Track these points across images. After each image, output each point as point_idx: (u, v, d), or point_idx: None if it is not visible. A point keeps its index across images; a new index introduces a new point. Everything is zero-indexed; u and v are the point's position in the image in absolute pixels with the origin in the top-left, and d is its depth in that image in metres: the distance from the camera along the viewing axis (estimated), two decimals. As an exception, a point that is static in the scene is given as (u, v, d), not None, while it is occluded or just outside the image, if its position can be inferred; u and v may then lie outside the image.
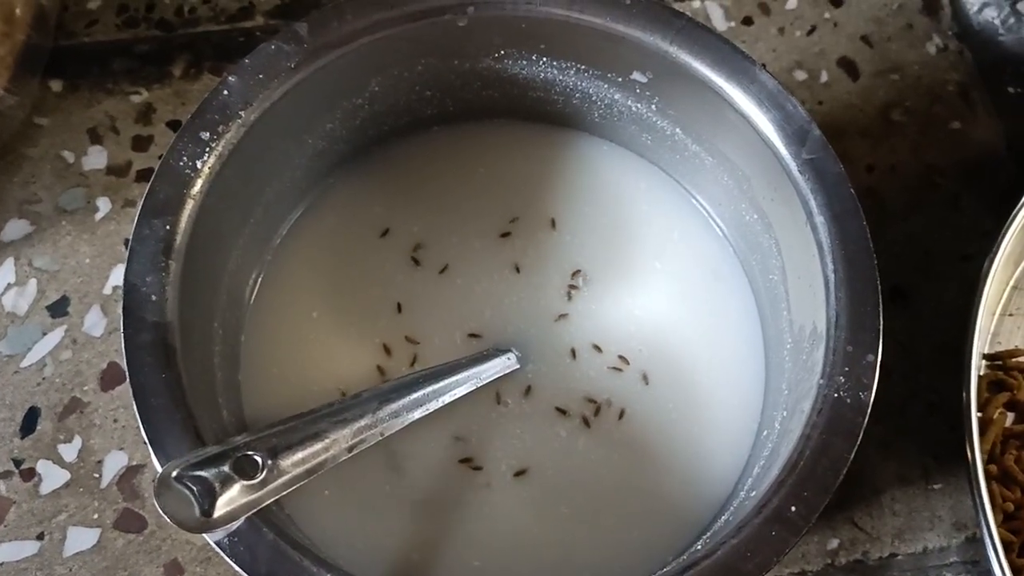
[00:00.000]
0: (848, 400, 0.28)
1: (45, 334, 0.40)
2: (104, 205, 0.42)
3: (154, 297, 0.29)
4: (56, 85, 0.45)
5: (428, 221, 0.39)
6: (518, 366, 0.36)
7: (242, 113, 0.32)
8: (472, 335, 0.37)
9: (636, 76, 0.36)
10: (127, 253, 0.29)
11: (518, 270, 0.38)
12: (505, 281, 0.38)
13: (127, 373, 0.28)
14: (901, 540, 0.39)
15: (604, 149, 0.41)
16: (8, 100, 0.42)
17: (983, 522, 0.33)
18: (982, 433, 0.38)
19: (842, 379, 0.29)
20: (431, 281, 0.38)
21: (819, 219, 0.31)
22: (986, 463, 0.37)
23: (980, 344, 0.37)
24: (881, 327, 0.29)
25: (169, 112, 0.44)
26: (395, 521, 0.34)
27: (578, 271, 0.38)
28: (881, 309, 0.29)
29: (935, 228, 0.44)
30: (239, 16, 0.47)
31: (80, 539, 0.37)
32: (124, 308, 0.29)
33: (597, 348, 0.37)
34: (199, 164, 0.31)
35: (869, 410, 0.28)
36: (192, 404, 0.28)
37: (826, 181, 0.31)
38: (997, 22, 0.49)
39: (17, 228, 0.42)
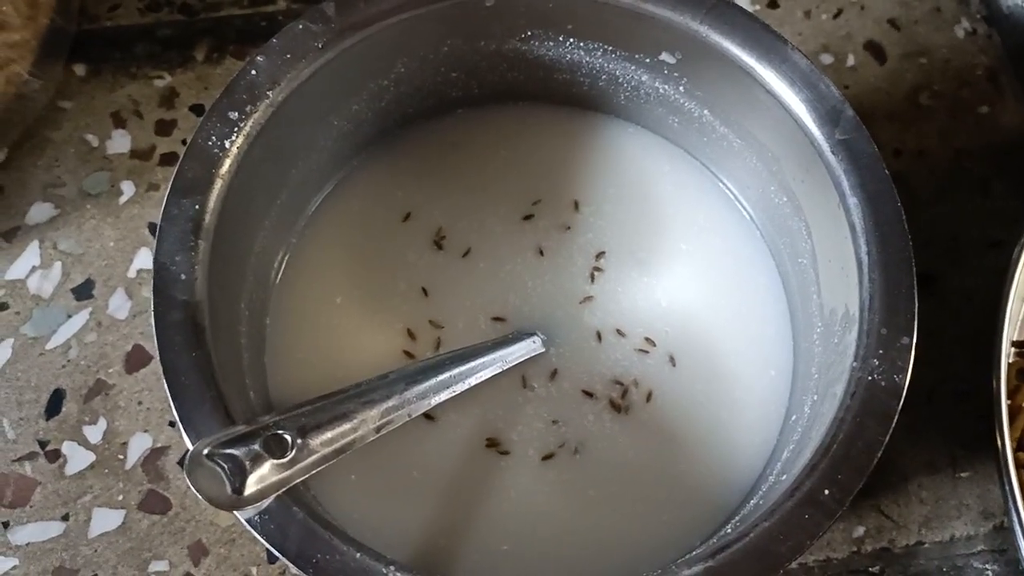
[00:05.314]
0: (883, 383, 0.28)
1: (70, 317, 0.40)
2: (128, 189, 0.42)
3: (183, 276, 0.29)
4: (80, 69, 0.45)
5: (451, 204, 0.39)
6: (543, 349, 0.36)
7: (270, 93, 0.32)
8: (496, 319, 0.37)
9: (664, 57, 0.35)
10: (157, 232, 0.29)
11: (542, 253, 0.38)
12: (529, 264, 0.38)
13: (157, 351, 0.28)
14: (928, 528, 0.38)
15: (630, 132, 0.40)
16: (32, 84, 0.42)
17: (1012, 510, 0.33)
18: (1011, 421, 0.37)
19: (876, 362, 0.28)
20: (454, 265, 0.38)
21: (852, 200, 0.30)
22: (1015, 451, 0.37)
23: (1010, 331, 0.36)
24: (916, 309, 0.29)
25: (192, 96, 0.44)
26: (422, 506, 0.34)
27: (602, 253, 0.38)
28: (916, 291, 0.29)
29: (963, 214, 0.44)
30: (261, 0, 0.47)
31: (105, 520, 0.37)
32: (154, 287, 0.28)
33: (623, 330, 0.37)
34: (227, 144, 0.31)
35: (904, 393, 0.28)
36: (221, 383, 0.28)
37: (859, 162, 0.31)
38: (1027, 5, 0.48)
39: (41, 211, 0.42)
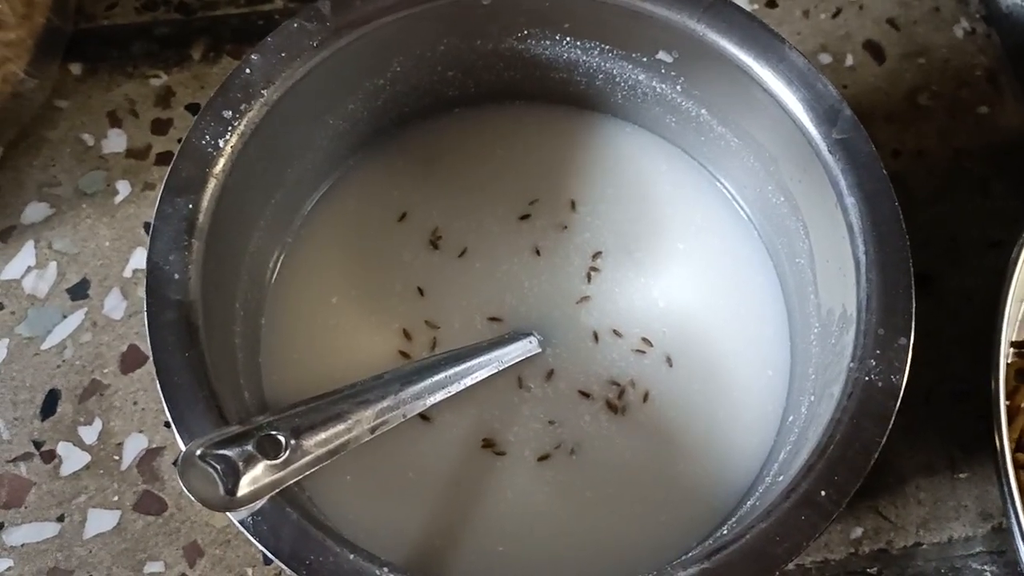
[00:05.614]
0: (880, 384, 0.28)
1: (65, 317, 0.40)
2: (124, 188, 0.42)
3: (177, 276, 0.29)
4: (76, 68, 0.45)
5: (447, 204, 0.39)
6: (539, 350, 0.36)
7: (264, 92, 0.31)
8: (493, 319, 0.37)
9: (662, 56, 0.35)
10: (151, 231, 0.29)
11: (538, 253, 0.38)
12: (525, 264, 0.38)
13: (151, 351, 0.28)
14: (926, 529, 0.38)
15: (627, 131, 0.40)
16: (28, 83, 0.42)
17: (1011, 511, 0.33)
18: (1010, 422, 0.37)
19: (873, 362, 0.28)
20: (450, 265, 0.38)
21: (849, 200, 0.30)
22: (1014, 452, 0.37)
23: (1008, 332, 0.36)
24: (914, 309, 0.29)
25: (188, 95, 0.44)
26: (417, 507, 0.33)
27: (599, 253, 0.38)
28: (913, 291, 0.29)
29: (962, 214, 0.44)
30: (258, -1, 0.47)
31: (100, 521, 0.37)
32: (148, 286, 0.28)
33: (619, 331, 0.36)
34: (221, 143, 0.31)
35: (901, 393, 0.28)
36: (215, 383, 0.28)
37: (857, 161, 0.31)
38: (1026, 5, 0.48)
39: (37, 211, 0.42)
